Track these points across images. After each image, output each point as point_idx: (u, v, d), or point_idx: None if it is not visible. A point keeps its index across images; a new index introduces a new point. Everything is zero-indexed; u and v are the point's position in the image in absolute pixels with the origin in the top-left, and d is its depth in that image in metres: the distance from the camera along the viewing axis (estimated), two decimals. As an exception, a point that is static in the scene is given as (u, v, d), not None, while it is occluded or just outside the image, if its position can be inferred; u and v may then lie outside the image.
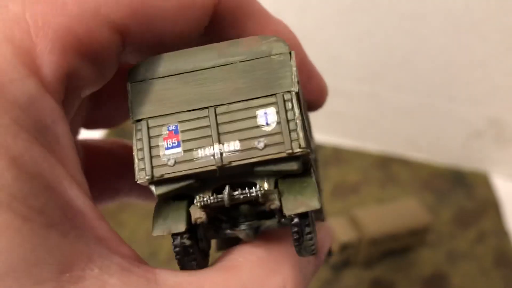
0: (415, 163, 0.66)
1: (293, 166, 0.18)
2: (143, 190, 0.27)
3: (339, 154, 0.67)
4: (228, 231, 0.20)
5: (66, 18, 0.17)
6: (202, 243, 0.19)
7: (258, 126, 0.18)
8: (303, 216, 0.18)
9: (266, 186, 0.18)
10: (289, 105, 0.18)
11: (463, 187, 0.63)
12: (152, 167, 0.18)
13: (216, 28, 0.21)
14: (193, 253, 0.18)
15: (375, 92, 0.64)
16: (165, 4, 0.19)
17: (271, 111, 0.18)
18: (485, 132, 0.63)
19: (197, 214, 0.18)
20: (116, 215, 0.57)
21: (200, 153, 0.18)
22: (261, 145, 0.18)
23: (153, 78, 0.19)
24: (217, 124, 0.18)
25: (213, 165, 0.18)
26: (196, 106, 0.18)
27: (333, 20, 0.60)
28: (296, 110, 0.18)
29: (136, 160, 0.18)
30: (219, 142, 0.18)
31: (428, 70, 0.61)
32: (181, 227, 0.18)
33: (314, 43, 0.54)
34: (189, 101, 0.18)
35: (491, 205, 0.61)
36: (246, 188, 0.18)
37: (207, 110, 0.18)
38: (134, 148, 0.18)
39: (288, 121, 0.18)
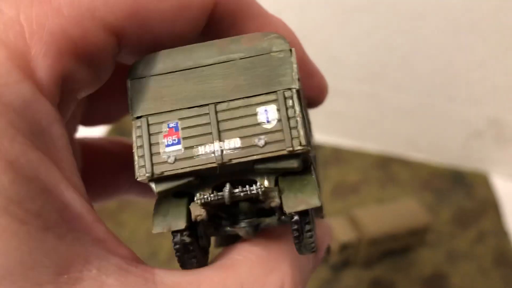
0: (415, 163, 0.66)
1: (294, 163, 0.18)
2: (142, 187, 0.27)
3: (339, 154, 0.67)
4: (228, 228, 0.20)
5: (61, 20, 0.17)
6: (202, 240, 0.19)
7: (258, 124, 0.18)
8: (303, 214, 0.18)
9: (266, 183, 0.18)
10: (289, 102, 0.18)
11: (463, 187, 0.63)
12: (152, 165, 0.18)
13: (214, 29, 0.21)
14: (193, 250, 0.18)
15: (375, 92, 0.64)
16: (162, 5, 0.18)
17: (272, 109, 0.18)
18: (485, 132, 0.63)
19: (197, 211, 0.18)
20: (116, 215, 0.57)
21: (201, 150, 0.18)
22: (261, 142, 0.18)
23: (153, 75, 0.19)
24: (218, 122, 0.18)
25: (214, 162, 0.18)
26: (197, 103, 0.18)
27: (333, 20, 0.60)
28: (297, 108, 0.18)
29: (136, 158, 0.18)
30: (220, 139, 0.18)
31: (428, 70, 0.61)
32: (181, 224, 0.18)
33: (314, 43, 0.54)
34: (190, 98, 0.18)
35: (491, 205, 0.61)
36: (247, 186, 0.18)
37: (207, 107, 0.18)
38: (134, 145, 0.18)
39: (288, 118, 0.18)
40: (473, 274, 0.53)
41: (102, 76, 0.19)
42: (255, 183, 0.18)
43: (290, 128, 0.18)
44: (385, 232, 0.51)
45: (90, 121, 0.27)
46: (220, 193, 0.18)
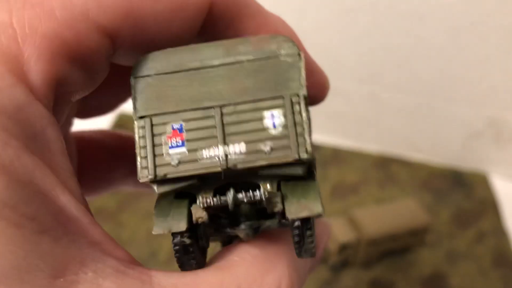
0: (414, 163, 0.66)
1: (298, 170, 0.18)
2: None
3: (338, 155, 0.67)
4: (228, 229, 0.20)
5: (53, 23, 0.17)
6: (202, 241, 0.19)
7: (264, 129, 0.17)
8: (305, 219, 0.18)
9: (268, 187, 0.18)
10: (297, 108, 0.18)
11: (462, 187, 0.63)
12: (155, 166, 0.18)
13: (211, 29, 0.20)
14: (192, 252, 0.18)
15: (374, 92, 0.64)
16: (157, 6, 0.18)
17: (279, 114, 0.18)
18: (484, 132, 0.63)
19: (199, 213, 0.18)
20: (116, 216, 0.57)
21: (205, 153, 0.17)
22: (267, 148, 0.17)
23: (158, 74, 0.18)
24: (223, 125, 0.18)
25: (218, 167, 0.17)
26: (202, 105, 0.18)
27: (333, 21, 0.60)
28: (304, 114, 0.17)
29: (138, 158, 0.18)
30: (225, 143, 0.17)
31: (427, 71, 0.61)
32: (182, 226, 0.18)
33: (313, 44, 0.54)
34: (195, 99, 0.18)
35: (490, 205, 0.61)
36: (251, 191, 0.17)
37: (213, 109, 0.18)
38: (137, 145, 0.18)
39: (295, 124, 0.17)
40: (472, 274, 0.53)
41: (96, 78, 0.19)
42: (258, 187, 0.18)
43: (297, 135, 0.17)
44: (384, 232, 0.51)
45: (83, 114, 0.27)
46: (223, 198, 0.17)
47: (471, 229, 0.58)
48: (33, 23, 0.16)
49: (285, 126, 0.17)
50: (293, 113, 0.18)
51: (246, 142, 0.17)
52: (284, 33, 0.20)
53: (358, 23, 0.59)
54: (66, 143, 0.19)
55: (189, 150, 0.18)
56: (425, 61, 0.60)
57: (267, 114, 0.18)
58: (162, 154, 0.18)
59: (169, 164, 0.18)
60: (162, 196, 0.18)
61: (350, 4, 0.58)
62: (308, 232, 0.18)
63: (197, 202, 0.18)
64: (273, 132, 0.17)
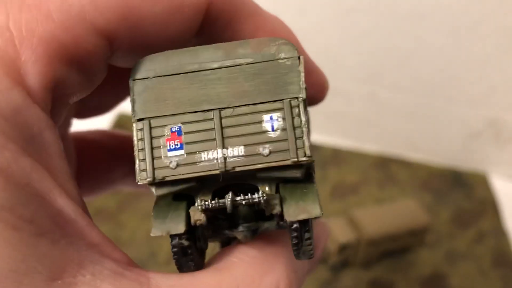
0: (414, 163, 0.66)
1: (297, 173, 0.18)
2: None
3: (338, 155, 0.67)
4: (227, 231, 0.20)
5: (50, 26, 0.17)
6: (200, 243, 0.19)
7: (263, 132, 0.18)
8: (303, 222, 0.18)
9: (267, 190, 0.18)
10: (296, 111, 0.18)
11: (462, 187, 0.63)
12: (153, 169, 0.18)
13: (209, 30, 0.20)
14: (191, 254, 0.18)
15: (374, 92, 0.64)
16: (154, 7, 0.18)
17: (277, 117, 0.18)
18: (484, 132, 0.64)
19: (197, 215, 0.18)
20: (116, 216, 0.57)
21: (203, 156, 0.18)
22: (266, 151, 0.17)
23: (156, 76, 0.18)
24: (222, 128, 0.18)
25: (216, 169, 0.17)
26: (201, 107, 0.18)
27: (332, 21, 0.60)
28: (303, 117, 0.18)
29: (137, 161, 0.18)
30: (223, 146, 0.17)
31: (427, 71, 0.61)
32: (181, 228, 0.18)
33: (313, 44, 0.54)
34: (194, 102, 0.18)
35: (490, 205, 0.61)
36: (249, 194, 0.17)
37: (212, 112, 0.18)
38: (135, 148, 0.18)
39: (294, 128, 0.17)
40: (472, 274, 0.53)
41: (94, 80, 0.19)
42: (256, 189, 0.18)
43: (296, 138, 0.17)
44: (384, 233, 0.51)
45: (81, 114, 0.27)
46: (222, 200, 0.17)
47: (471, 229, 0.58)
48: (30, 26, 0.16)
49: (283, 129, 0.17)
50: (292, 116, 0.18)
51: (245, 145, 0.18)
52: (282, 34, 0.20)
53: (358, 23, 0.59)
54: (65, 143, 0.19)
55: (187, 153, 0.18)
56: (425, 61, 0.60)
57: (266, 117, 0.18)
58: (161, 156, 0.18)
59: (167, 166, 0.18)
60: (160, 198, 0.19)
61: (350, 4, 0.58)
62: (306, 234, 0.18)
63: (196, 204, 0.18)
64: (271, 135, 0.18)
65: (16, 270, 0.15)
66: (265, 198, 0.17)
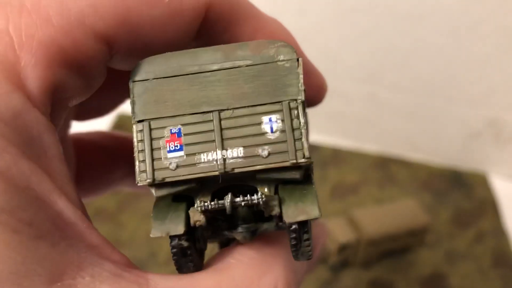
0: (414, 163, 0.66)
1: (296, 175, 0.18)
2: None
3: (338, 155, 0.67)
4: (226, 232, 0.20)
5: (50, 30, 0.17)
6: (199, 244, 0.19)
7: (262, 133, 0.18)
8: (302, 223, 0.18)
9: (266, 191, 0.18)
10: (294, 113, 0.18)
11: (461, 188, 0.63)
12: (153, 170, 0.18)
13: (208, 33, 0.20)
14: (190, 255, 0.18)
15: (374, 92, 0.64)
16: (153, 11, 0.18)
17: (276, 119, 0.18)
18: (483, 132, 0.64)
19: (196, 216, 0.18)
20: (116, 216, 0.57)
21: (203, 158, 0.18)
22: (265, 153, 0.17)
23: (156, 78, 0.19)
24: (221, 129, 0.18)
25: (216, 171, 0.17)
26: (200, 109, 0.18)
27: (332, 21, 0.60)
28: (302, 119, 0.18)
29: (137, 162, 0.18)
30: (223, 147, 0.18)
31: (426, 71, 0.61)
32: (180, 229, 0.18)
33: (313, 45, 0.55)
34: (193, 104, 0.18)
35: (490, 205, 0.61)
36: (248, 195, 0.18)
37: (211, 114, 0.18)
38: (135, 149, 0.18)
39: (293, 129, 0.18)
40: (472, 274, 0.53)
41: (93, 83, 0.19)
42: (256, 190, 0.18)
43: (294, 140, 0.17)
44: (384, 233, 0.51)
45: (81, 116, 0.27)
46: (221, 202, 0.18)
47: (471, 229, 0.58)
48: (29, 30, 0.16)
49: (282, 131, 0.18)
50: (291, 118, 0.18)
51: (244, 147, 0.18)
52: (281, 37, 0.20)
53: (358, 23, 0.59)
54: (64, 145, 0.20)
55: (187, 154, 0.18)
56: (425, 61, 0.60)
57: (265, 119, 0.18)
58: (161, 158, 0.18)
59: (167, 168, 0.18)
60: (160, 199, 0.19)
61: (350, 4, 0.58)
62: (305, 236, 0.18)
63: (195, 205, 0.18)
64: (271, 137, 0.18)
65: (16, 273, 0.15)
66: (264, 199, 0.17)
